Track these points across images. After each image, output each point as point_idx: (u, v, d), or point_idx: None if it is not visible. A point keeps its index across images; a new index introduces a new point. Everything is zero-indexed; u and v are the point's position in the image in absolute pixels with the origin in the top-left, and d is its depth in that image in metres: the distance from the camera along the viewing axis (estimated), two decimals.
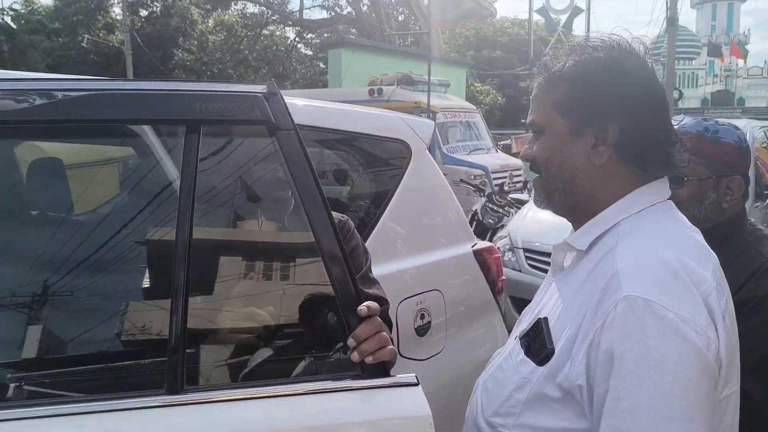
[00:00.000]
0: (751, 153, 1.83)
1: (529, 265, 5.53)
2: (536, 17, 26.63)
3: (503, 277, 2.80)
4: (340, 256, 1.18)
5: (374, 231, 2.33)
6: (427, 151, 2.63)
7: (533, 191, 1.22)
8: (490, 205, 8.11)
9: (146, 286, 1.26)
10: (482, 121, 13.52)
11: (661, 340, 0.93)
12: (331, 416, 1.12)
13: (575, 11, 24.51)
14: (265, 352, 1.24)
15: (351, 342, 1.20)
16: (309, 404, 1.13)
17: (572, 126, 1.12)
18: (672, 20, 15.67)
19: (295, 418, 1.10)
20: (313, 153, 3.41)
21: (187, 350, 1.13)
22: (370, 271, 1.79)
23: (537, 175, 1.20)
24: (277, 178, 1.37)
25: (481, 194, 8.40)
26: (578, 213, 1.17)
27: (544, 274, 5.22)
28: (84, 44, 25.44)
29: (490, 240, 6.73)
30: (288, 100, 2.59)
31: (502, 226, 7.52)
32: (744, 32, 50.52)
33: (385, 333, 1.23)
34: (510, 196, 8.70)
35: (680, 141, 1.15)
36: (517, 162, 12.67)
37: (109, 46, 26.60)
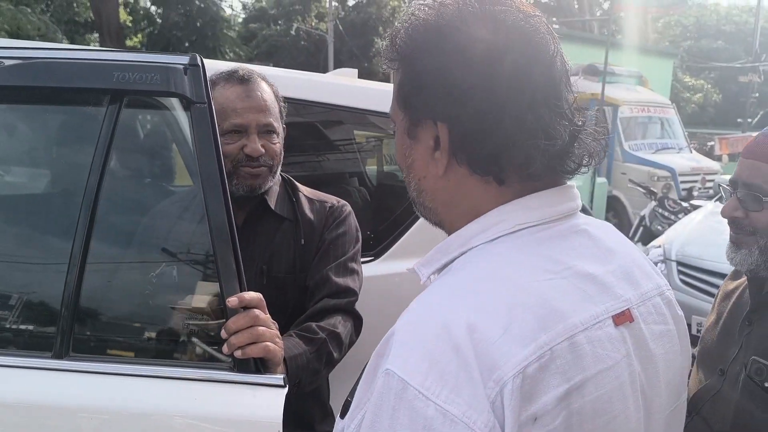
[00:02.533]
0: None
1: (681, 281, 4.84)
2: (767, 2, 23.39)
3: None
4: (228, 242, 1.11)
5: (421, 219, 2.19)
6: None
7: None
8: (660, 210, 7.37)
9: (46, 250, 1.29)
10: (677, 117, 12.23)
11: None
12: (174, 405, 1.08)
13: None
14: (154, 329, 1.22)
15: (222, 333, 1.13)
16: (164, 389, 1.10)
17: (408, 123, 0.83)
18: None
19: (143, 400, 1.08)
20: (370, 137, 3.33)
21: (85, 318, 1.14)
22: (353, 261, 1.68)
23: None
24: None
25: (652, 197, 7.62)
26: (449, 231, 0.87)
27: (697, 293, 4.62)
28: (292, 32, 27.56)
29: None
30: (356, 83, 2.54)
31: None
32: None
33: (262, 328, 1.14)
34: (691, 202, 7.81)
35: (576, 137, 0.79)
36: (713, 165, 11.31)
37: (317, 33, 28.49)
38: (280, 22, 30.79)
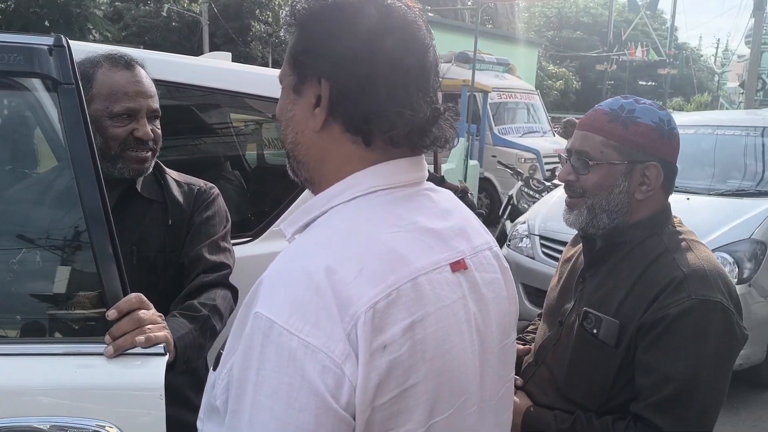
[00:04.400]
0: (678, 138, 1.57)
1: (544, 253, 5.27)
2: None
3: None
4: (104, 227, 1.14)
5: (297, 201, 2.28)
6: None
7: None
8: (526, 190, 7.89)
9: None
10: (541, 103, 13.08)
11: (275, 373, 0.77)
12: (60, 379, 1.11)
13: None
14: (27, 310, 1.23)
15: (107, 338, 1.16)
16: (43, 364, 1.12)
17: (295, 80, 0.93)
18: (760, 5, 14.57)
19: (22, 378, 1.10)
20: (237, 119, 3.38)
21: None
22: (224, 240, 1.76)
23: None
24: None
25: (519, 178, 8.16)
26: (315, 189, 0.97)
27: (557, 263, 5.05)
28: (164, 13, 26.31)
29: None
30: (216, 64, 2.57)
31: None
32: None
33: (149, 327, 1.18)
34: (554, 181, 8.42)
35: (443, 119, 0.94)
36: None
37: (189, 15, 27.36)
38: (149, 2, 29.23)
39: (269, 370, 0.77)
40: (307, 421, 0.76)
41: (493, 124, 11.44)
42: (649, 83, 36.58)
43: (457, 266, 0.92)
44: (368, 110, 0.88)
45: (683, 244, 1.52)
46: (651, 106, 1.56)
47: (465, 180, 8.95)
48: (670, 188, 1.59)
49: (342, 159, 0.92)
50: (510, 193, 8.10)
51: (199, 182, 1.81)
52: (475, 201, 8.02)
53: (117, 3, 29.05)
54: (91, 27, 20.58)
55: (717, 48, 52.37)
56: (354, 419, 0.79)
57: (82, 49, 1.64)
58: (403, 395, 0.82)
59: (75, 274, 1.23)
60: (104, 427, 1.09)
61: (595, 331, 1.51)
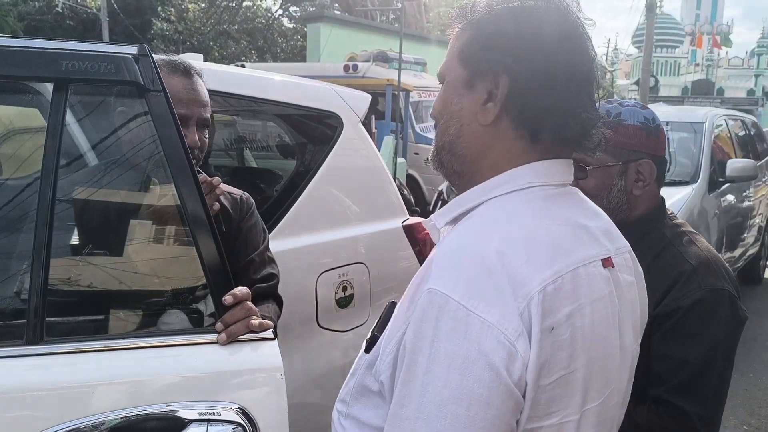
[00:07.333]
0: (663, 133, 1.67)
1: None
2: None
3: None
4: (208, 231, 1.19)
5: (297, 203, 2.33)
6: (360, 125, 2.62)
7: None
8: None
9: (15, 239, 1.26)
10: None
11: (451, 345, 0.79)
12: (186, 367, 1.17)
13: None
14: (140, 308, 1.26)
15: (218, 326, 1.21)
16: (168, 355, 1.18)
17: (467, 75, 0.95)
18: (651, 7, 15.71)
19: (153, 368, 1.15)
20: (233, 122, 3.40)
21: (52, 304, 1.15)
22: (268, 250, 1.83)
23: None
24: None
25: None
26: (464, 181, 0.99)
27: None
28: (58, 9, 24.84)
29: None
30: (205, 66, 2.58)
31: None
32: (727, 22, 50.76)
33: (255, 318, 1.25)
34: None
35: (600, 123, 0.97)
36: None
37: (86, 11, 25.99)
38: None
39: (444, 341, 0.79)
40: (481, 394, 0.78)
41: (414, 123, 11.72)
42: None
43: (607, 263, 0.95)
44: (543, 107, 0.92)
45: (685, 238, 1.61)
46: (635, 107, 1.66)
47: (394, 177, 9.13)
48: (662, 180, 1.67)
49: (503, 153, 0.95)
50: (440, 189, 8.34)
51: (237, 191, 1.86)
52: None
53: None
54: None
55: (608, 47, 55.76)
56: (523, 397, 0.82)
57: None
58: (565, 379, 0.85)
59: (184, 272, 1.27)
60: (231, 407, 1.16)
61: None
